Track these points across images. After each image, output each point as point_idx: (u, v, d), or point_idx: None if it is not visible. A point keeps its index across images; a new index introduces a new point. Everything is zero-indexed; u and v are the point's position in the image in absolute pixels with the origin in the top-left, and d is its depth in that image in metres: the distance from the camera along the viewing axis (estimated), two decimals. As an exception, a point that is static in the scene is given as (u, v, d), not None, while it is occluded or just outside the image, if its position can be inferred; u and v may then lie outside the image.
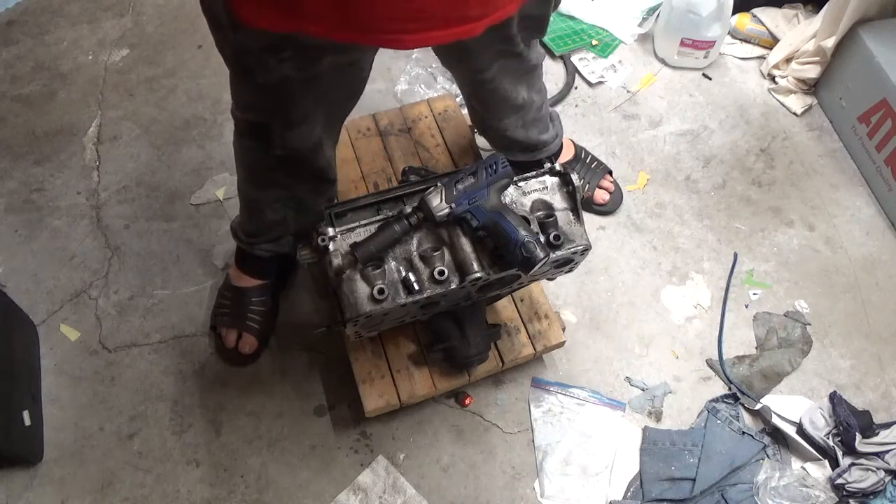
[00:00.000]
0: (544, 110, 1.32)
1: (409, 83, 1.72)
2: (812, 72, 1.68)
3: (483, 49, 1.07)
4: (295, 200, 1.15)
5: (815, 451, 1.27)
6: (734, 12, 1.74)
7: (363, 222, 1.00)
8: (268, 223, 1.22)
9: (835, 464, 1.25)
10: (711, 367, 1.38)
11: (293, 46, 0.83)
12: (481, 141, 1.52)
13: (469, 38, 0.77)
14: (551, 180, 1.05)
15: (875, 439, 1.24)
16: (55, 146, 1.61)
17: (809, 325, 1.43)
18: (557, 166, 1.06)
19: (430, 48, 1.77)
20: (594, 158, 1.54)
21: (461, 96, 1.67)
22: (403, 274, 0.98)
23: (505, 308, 1.28)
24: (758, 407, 1.31)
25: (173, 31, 1.82)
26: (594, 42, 1.82)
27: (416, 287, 0.97)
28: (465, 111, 1.57)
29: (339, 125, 1.11)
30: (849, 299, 1.46)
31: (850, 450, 1.24)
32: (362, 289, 0.97)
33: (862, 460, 1.23)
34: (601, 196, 1.52)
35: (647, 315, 1.43)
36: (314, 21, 0.72)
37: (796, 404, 1.32)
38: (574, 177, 1.03)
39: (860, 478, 1.22)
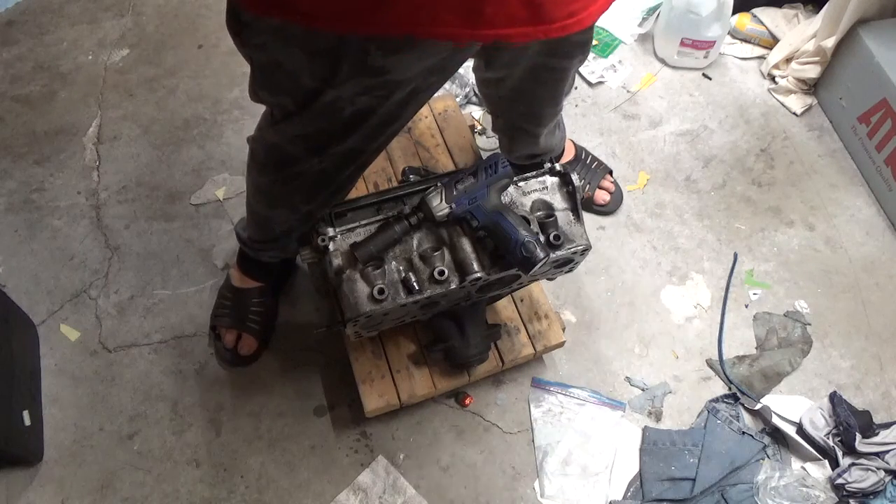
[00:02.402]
0: (560, 115, 1.32)
1: (409, 83, 1.72)
2: (812, 72, 1.68)
3: (574, 35, 1.05)
4: (306, 214, 1.12)
5: (815, 451, 1.27)
6: (734, 12, 1.74)
7: (363, 222, 1.00)
8: (276, 235, 1.21)
9: (835, 464, 1.25)
10: (711, 367, 1.38)
11: (389, 86, 0.81)
12: (481, 141, 1.52)
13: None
14: (551, 180, 1.05)
15: (875, 439, 1.24)
16: (55, 146, 1.61)
17: (809, 325, 1.43)
18: (557, 166, 1.06)
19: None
20: (594, 158, 1.54)
21: (461, 97, 1.68)
22: (403, 274, 0.98)
23: (505, 308, 1.28)
24: (758, 407, 1.31)
25: (173, 31, 1.82)
26: (594, 42, 1.81)
27: (416, 287, 0.97)
28: (465, 111, 1.58)
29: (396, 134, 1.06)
30: (849, 299, 1.46)
31: (850, 450, 1.24)
32: (362, 289, 0.97)
33: (862, 460, 1.23)
34: (601, 196, 1.52)
35: (647, 315, 1.43)
36: (500, 25, 0.69)
37: (796, 404, 1.32)
38: (574, 177, 1.03)
39: (860, 478, 1.22)
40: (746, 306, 1.45)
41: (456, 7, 0.67)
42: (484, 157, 1.15)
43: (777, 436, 1.30)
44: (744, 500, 1.23)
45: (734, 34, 1.82)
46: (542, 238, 0.98)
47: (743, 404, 1.32)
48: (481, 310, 1.20)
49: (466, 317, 1.17)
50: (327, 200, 1.08)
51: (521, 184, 1.04)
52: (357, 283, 0.97)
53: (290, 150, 0.96)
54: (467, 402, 1.31)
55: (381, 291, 0.96)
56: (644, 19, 1.85)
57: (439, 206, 0.95)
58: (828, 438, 1.26)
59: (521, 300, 1.29)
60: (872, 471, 1.22)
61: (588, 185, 1.51)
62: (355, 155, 0.98)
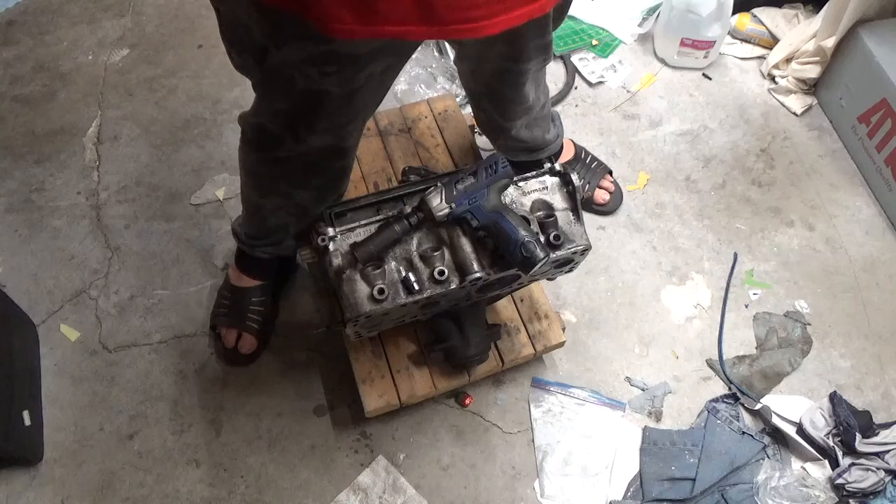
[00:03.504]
0: (547, 109, 1.33)
1: (409, 83, 1.72)
2: (812, 72, 1.68)
3: (528, 38, 1.05)
4: (298, 207, 1.14)
5: (815, 451, 1.27)
6: (734, 12, 1.74)
7: (363, 222, 1.00)
8: (270, 227, 1.22)
9: (835, 464, 1.25)
10: (711, 367, 1.38)
11: (336, 60, 0.82)
12: (481, 141, 1.52)
13: (540, 15, 0.77)
14: (551, 180, 1.05)
15: (875, 439, 1.24)
16: (55, 146, 1.61)
17: (809, 325, 1.43)
18: (557, 166, 1.06)
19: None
20: (594, 158, 1.54)
21: (461, 97, 1.68)
22: (403, 274, 0.98)
23: (505, 308, 1.28)
24: (758, 407, 1.31)
25: (173, 31, 1.82)
26: (594, 42, 1.82)
27: (416, 287, 0.97)
28: (465, 111, 1.58)
29: (364, 125, 1.09)
30: (849, 299, 1.46)
31: (850, 450, 1.24)
32: (362, 289, 0.97)
33: (862, 460, 1.23)
34: (601, 196, 1.52)
35: (647, 315, 1.43)
36: (393, 22, 0.70)
37: (796, 404, 1.32)
38: (574, 177, 1.03)
39: (860, 478, 1.22)
40: (746, 306, 1.45)
41: (348, 3, 0.68)
42: (484, 157, 1.15)
43: (777, 436, 1.30)
44: (744, 500, 1.23)
45: (734, 34, 1.82)
46: (542, 238, 0.98)
47: (743, 404, 1.32)
48: (481, 310, 1.20)
49: (466, 317, 1.17)
50: (319, 196, 1.09)
51: (521, 184, 1.04)
52: (357, 283, 0.97)
53: (271, 129, 0.99)
54: (467, 402, 1.31)
55: (381, 291, 0.96)
56: (644, 19, 1.85)
57: (439, 206, 0.95)
58: (828, 438, 1.26)
59: (521, 300, 1.29)
60: (872, 471, 1.22)
61: (588, 185, 1.51)
62: (334, 151, 1.01)
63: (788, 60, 1.74)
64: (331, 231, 0.98)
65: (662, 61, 1.80)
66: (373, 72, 0.88)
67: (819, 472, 1.26)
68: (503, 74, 1.15)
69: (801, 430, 1.29)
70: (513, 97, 1.20)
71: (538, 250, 0.92)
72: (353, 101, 0.93)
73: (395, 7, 0.69)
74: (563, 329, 1.29)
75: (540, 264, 0.93)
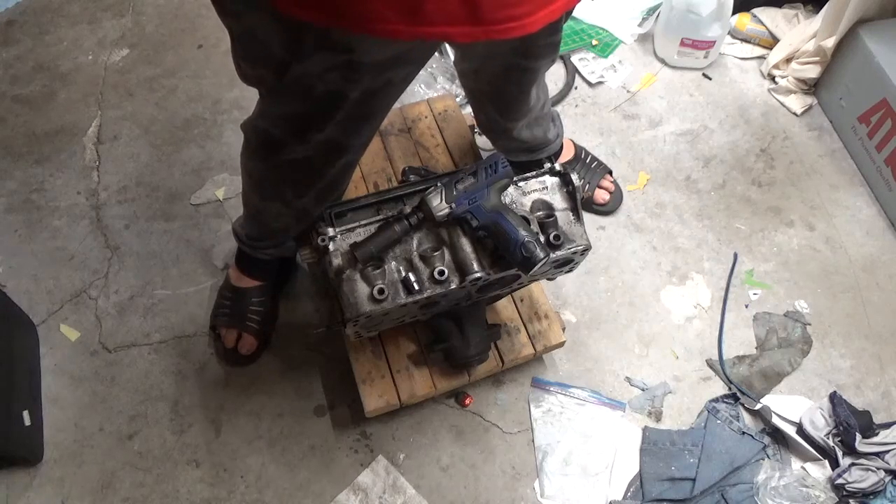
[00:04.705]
0: (546, 108, 1.33)
1: (409, 83, 1.72)
2: (812, 72, 1.68)
3: (540, 35, 1.04)
4: (300, 211, 1.14)
5: (815, 451, 1.27)
6: (734, 12, 1.74)
7: (363, 222, 1.00)
8: (271, 230, 1.22)
9: (835, 464, 1.25)
10: (711, 367, 1.38)
11: (357, 68, 0.81)
12: (481, 141, 1.52)
13: (574, 6, 0.76)
14: (551, 180, 1.05)
15: (875, 439, 1.24)
16: (55, 146, 1.61)
17: (809, 325, 1.43)
18: (557, 166, 1.06)
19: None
20: (594, 158, 1.54)
21: (461, 97, 1.68)
22: (403, 274, 0.98)
23: (505, 308, 1.28)
24: (758, 407, 1.31)
25: (173, 31, 1.82)
26: (594, 42, 1.82)
27: (416, 287, 0.97)
28: (465, 111, 1.58)
29: (375, 130, 1.07)
30: (849, 299, 1.46)
31: (850, 450, 1.24)
32: (362, 289, 0.97)
33: (862, 460, 1.23)
34: (601, 196, 1.52)
35: (647, 315, 1.43)
36: (438, 23, 0.69)
37: (796, 404, 1.32)
38: (574, 177, 1.03)
39: (860, 478, 1.22)
40: (746, 306, 1.45)
41: (395, 4, 0.68)
42: (484, 157, 1.15)
43: (777, 436, 1.30)
44: (744, 500, 1.23)
45: (734, 34, 1.82)
46: (542, 238, 0.98)
47: (743, 404, 1.32)
48: (481, 310, 1.20)
49: (466, 317, 1.17)
50: (320, 198, 1.08)
51: (521, 184, 1.04)
52: (357, 283, 0.97)
53: (276, 133, 0.97)
54: (467, 402, 1.31)
55: (381, 291, 0.96)
56: (644, 19, 1.86)
57: (439, 206, 0.96)
58: (828, 438, 1.26)
59: (521, 300, 1.29)
60: (872, 471, 1.22)
61: (588, 185, 1.51)
62: (339, 149, 1.00)
63: (788, 60, 1.74)
64: (331, 231, 0.98)
65: (662, 61, 1.80)
66: (391, 79, 0.87)
67: (819, 472, 1.26)
68: (509, 73, 1.14)
69: (801, 430, 1.29)
70: (517, 96, 1.20)
71: (538, 250, 0.92)
72: (366, 107, 0.92)
73: (442, 7, 0.68)
74: (563, 329, 1.29)
75: (540, 264, 0.93)
